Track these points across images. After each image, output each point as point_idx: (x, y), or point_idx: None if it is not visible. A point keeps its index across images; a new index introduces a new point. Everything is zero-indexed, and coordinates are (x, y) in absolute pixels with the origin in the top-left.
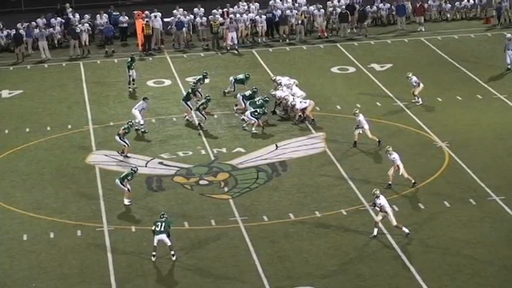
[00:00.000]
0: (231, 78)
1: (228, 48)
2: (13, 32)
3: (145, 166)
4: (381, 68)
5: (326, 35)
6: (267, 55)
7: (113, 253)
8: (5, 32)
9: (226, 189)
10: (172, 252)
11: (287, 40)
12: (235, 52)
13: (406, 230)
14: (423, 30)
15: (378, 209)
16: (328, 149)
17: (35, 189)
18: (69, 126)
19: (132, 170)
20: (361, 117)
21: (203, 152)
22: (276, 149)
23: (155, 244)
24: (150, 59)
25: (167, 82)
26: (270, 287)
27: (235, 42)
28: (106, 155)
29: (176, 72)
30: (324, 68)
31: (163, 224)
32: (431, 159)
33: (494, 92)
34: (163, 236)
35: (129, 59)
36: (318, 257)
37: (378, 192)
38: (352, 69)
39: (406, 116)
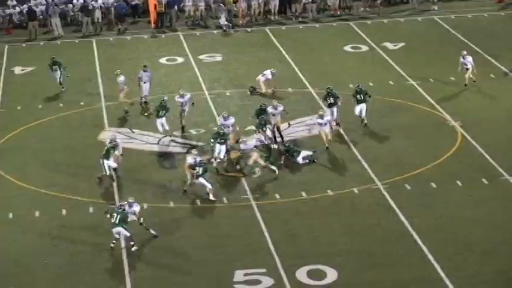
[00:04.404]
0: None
1: (228, 27)
2: (26, 8)
3: (157, 144)
4: (394, 47)
5: (339, 13)
6: (280, 33)
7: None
8: (18, 9)
9: (238, 167)
10: (132, 243)
11: (299, 18)
12: (248, 30)
13: (154, 232)
14: (436, 9)
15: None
16: (341, 128)
17: (47, 166)
18: (82, 103)
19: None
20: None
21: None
22: (289, 127)
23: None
24: (163, 36)
25: (180, 60)
26: (282, 265)
27: (225, 22)
28: (118, 132)
29: (189, 50)
30: (336, 46)
31: (119, 216)
32: (444, 139)
33: (508, 71)
34: (120, 229)
35: (50, 61)
36: (330, 235)
37: (131, 200)
38: (364, 48)
39: (419, 95)
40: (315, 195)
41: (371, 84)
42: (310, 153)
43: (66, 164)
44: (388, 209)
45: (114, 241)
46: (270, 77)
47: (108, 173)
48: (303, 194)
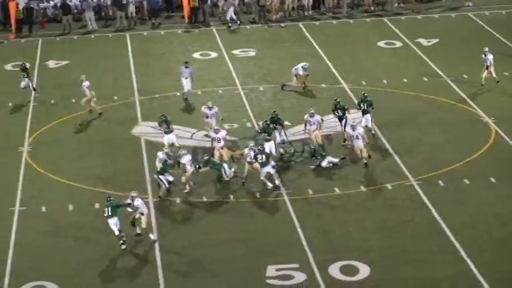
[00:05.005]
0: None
1: (235, 23)
2: (60, 2)
3: (191, 138)
4: (428, 43)
5: (373, 8)
6: (313, 28)
7: (158, 224)
8: (52, 2)
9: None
10: (122, 242)
11: (332, 13)
12: (281, 26)
13: (152, 237)
14: (471, 5)
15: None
16: (374, 123)
17: (81, 159)
18: (115, 97)
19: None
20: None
21: (248, 124)
22: (322, 122)
23: (116, 230)
24: (197, 31)
25: (213, 54)
26: (314, 261)
27: (234, 17)
28: (152, 127)
29: (222, 45)
30: (370, 42)
31: (109, 208)
32: (477, 135)
33: None
34: (116, 220)
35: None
36: (362, 231)
37: (134, 194)
38: (398, 44)
39: (453, 92)
40: (348, 190)
41: (405, 80)
42: (337, 160)
43: (100, 158)
44: (421, 205)
45: (122, 242)
46: (301, 72)
47: (167, 186)
48: (336, 189)
